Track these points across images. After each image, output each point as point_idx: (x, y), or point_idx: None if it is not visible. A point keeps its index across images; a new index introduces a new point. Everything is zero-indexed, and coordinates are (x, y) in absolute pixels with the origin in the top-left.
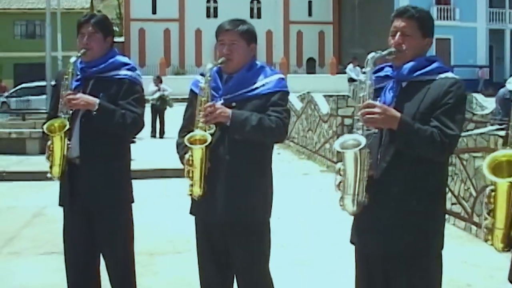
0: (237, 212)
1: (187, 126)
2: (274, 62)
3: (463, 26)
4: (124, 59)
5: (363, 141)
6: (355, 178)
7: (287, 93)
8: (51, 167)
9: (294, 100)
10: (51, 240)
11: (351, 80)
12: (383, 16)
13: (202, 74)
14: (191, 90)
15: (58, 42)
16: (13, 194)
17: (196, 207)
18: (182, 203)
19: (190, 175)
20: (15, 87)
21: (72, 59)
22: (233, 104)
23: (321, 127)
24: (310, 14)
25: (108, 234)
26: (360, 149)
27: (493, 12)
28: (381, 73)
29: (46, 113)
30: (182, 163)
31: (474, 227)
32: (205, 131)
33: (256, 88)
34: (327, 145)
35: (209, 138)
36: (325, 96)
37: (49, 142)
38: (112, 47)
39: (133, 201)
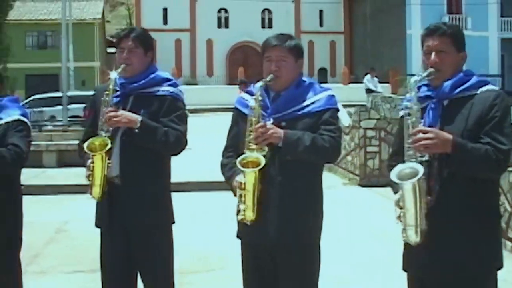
0: (290, 235)
1: (232, 146)
2: None
3: (475, 36)
4: (166, 75)
5: (421, 170)
6: (415, 209)
7: (338, 110)
8: (91, 187)
9: None
10: (76, 258)
11: (369, 91)
12: (395, 26)
13: (248, 92)
14: (236, 109)
15: (70, 53)
16: (33, 208)
17: (245, 231)
18: (209, 218)
19: (243, 199)
20: (26, 98)
21: (113, 75)
22: (283, 123)
23: (342, 139)
24: (321, 24)
25: (148, 256)
26: (418, 179)
27: (504, 21)
28: (420, 94)
29: (62, 125)
30: (230, 185)
31: (509, 243)
32: (257, 152)
33: (306, 106)
34: (349, 157)
35: (263, 161)
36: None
37: (89, 161)
38: (152, 62)
39: (173, 222)
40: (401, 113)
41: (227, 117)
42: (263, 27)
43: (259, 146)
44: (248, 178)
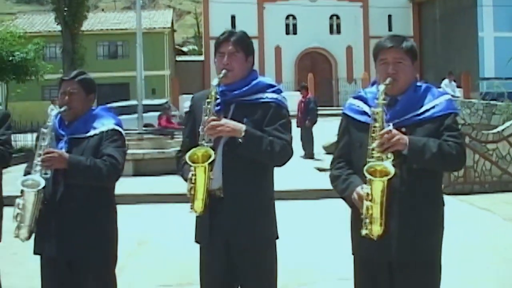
0: (413, 251)
1: (343, 156)
2: (355, 78)
3: None
4: (269, 81)
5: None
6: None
7: (457, 115)
8: (193, 201)
9: None
10: (162, 271)
11: None
12: (466, 28)
13: (358, 98)
14: (346, 116)
15: (137, 61)
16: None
17: (362, 245)
18: (298, 229)
19: (369, 212)
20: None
21: (215, 82)
22: (403, 129)
23: None
24: (390, 28)
25: (252, 273)
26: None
27: None
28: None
29: (138, 133)
30: (345, 197)
31: None
32: (382, 160)
33: (426, 110)
34: None
35: (392, 171)
36: None
37: (190, 174)
38: (253, 68)
39: (277, 237)
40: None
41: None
42: (331, 33)
43: (384, 154)
44: (376, 188)
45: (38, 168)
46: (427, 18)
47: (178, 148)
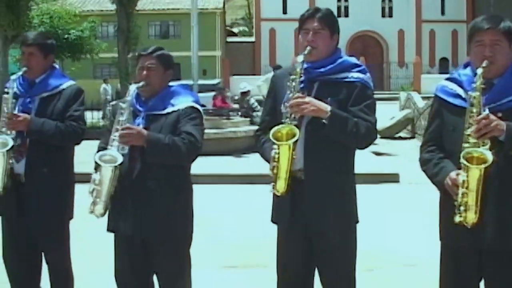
0: (509, 240)
1: (433, 139)
2: (406, 62)
3: None
4: (354, 60)
5: None
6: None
7: None
8: (275, 180)
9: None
10: (225, 252)
11: None
12: None
13: (452, 80)
14: (439, 98)
15: (191, 42)
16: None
17: (452, 233)
18: (363, 213)
19: (465, 199)
20: None
21: (300, 58)
22: (499, 114)
23: None
24: (443, 12)
25: (332, 257)
26: None
27: None
28: None
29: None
30: (435, 182)
31: None
32: (478, 146)
33: None
34: None
35: (490, 158)
36: None
37: (273, 152)
38: (337, 46)
39: (357, 221)
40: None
41: None
42: (383, 16)
43: (480, 140)
44: (472, 175)
45: (116, 143)
46: (481, 2)
47: (251, 127)
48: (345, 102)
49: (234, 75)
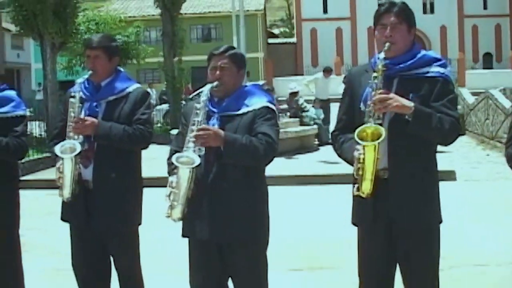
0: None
1: None
2: (449, 58)
3: None
4: (434, 54)
5: None
6: None
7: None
8: (361, 182)
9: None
10: (288, 254)
11: None
12: None
13: None
14: None
15: (234, 44)
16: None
17: None
18: None
19: None
20: (194, 91)
21: (381, 55)
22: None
23: None
24: (485, 7)
25: (415, 256)
26: None
27: None
28: None
29: None
30: None
31: None
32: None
33: None
34: None
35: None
36: None
37: (357, 153)
38: (414, 40)
39: (441, 221)
40: None
41: None
42: (424, 12)
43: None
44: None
45: (191, 144)
46: None
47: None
48: (427, 97)
49: (276, 76)
